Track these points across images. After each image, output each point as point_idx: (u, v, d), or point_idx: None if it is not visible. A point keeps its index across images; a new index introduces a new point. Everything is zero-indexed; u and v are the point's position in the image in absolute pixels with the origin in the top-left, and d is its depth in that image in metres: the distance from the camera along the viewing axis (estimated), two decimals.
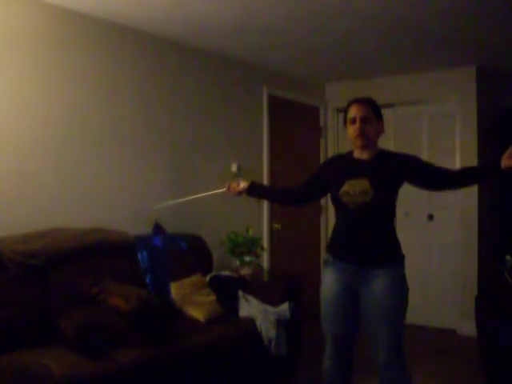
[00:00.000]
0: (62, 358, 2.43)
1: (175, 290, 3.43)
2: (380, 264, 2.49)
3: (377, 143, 2.62)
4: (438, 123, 5.26)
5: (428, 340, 4.79)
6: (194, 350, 2.90)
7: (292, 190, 2.90)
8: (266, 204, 5.00)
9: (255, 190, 2.85)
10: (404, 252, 2.61)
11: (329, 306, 2.62)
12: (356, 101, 2.60)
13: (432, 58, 4.73)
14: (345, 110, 2.66)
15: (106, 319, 2.72)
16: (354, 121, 2.55)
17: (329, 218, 5.78)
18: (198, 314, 3.29)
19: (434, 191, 2.90)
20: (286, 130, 5.31)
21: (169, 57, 4.18)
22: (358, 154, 2.61)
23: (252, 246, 4.21)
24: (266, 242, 4.94)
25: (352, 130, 2.57)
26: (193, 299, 3.40)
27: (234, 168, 4.68)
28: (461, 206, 5.02)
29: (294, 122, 5.40)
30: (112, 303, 2.83)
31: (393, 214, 2.60)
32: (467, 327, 4.64)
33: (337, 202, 2.59)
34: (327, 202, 5.79)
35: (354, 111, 2.56)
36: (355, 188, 2.50)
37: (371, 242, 2.51)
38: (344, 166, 2.64)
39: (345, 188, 2.52)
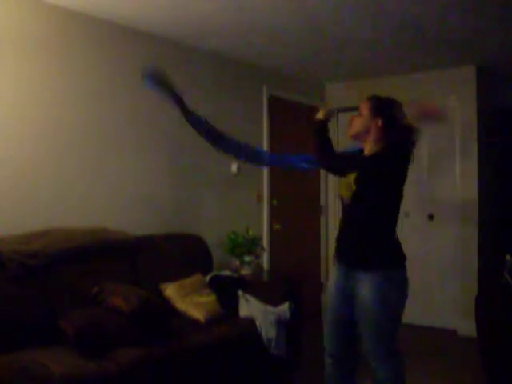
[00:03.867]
0: (62, 358, 2.43)
1: (175, 289, 3.43)
2: (363, 267, 2.46)
3: (381, 142, 2.55)
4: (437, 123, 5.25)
5: (428, 340, 4.79)
6: (194, 350, 2.90)
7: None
8: (265, 204, 5.00)
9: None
10: (404, 251, 2.58)
11: (329, 309, 2.65)
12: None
13: (432, 58, 4.73)
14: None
15: (106, 319, 2.72)
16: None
17: (329, 218, 5.78)
18: (198, 314, 3.29)
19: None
20: (286, 130, 5.31)
21: (169, 57, 4.18)
22: (365, 151, 2.64)
23: (252, 246, 4.21)
24: (265, 242, 4.94)
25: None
26: (193, 299, 3.40)
27: (234, 168, 4.68)
28: (461, 206, 5.02)
29: (293, 121, 5.40)
30: (112, 303, 2.83)
31: (380, 215, 2.49)
32: (467, 327, 4.64)
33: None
34: (327, 202, 5.81)
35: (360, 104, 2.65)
36: (347, 180, 2.54)
37: (353, 242, 2.53)
38: (351, 158, 2.71)
39: (343, 180, 2.59)
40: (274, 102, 5.16)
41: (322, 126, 2.79)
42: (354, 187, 2.48)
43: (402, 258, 2.54)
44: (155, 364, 2.66)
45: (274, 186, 5.13)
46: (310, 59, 4.84)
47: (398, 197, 2.54)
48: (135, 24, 3.80)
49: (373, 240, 2.48)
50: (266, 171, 5.07)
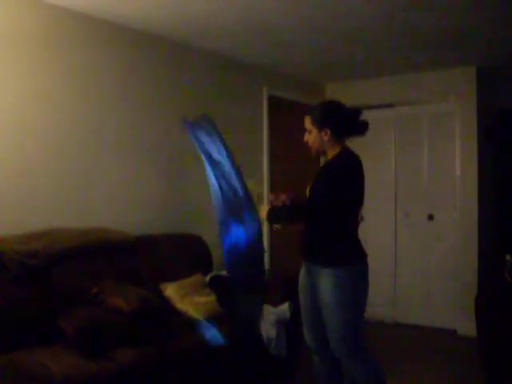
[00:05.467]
0: (62, 358, 2.43)
1: (175, 289, 3.43)
2: (318, 264, 2.60)
3: (339, 147, 2.64)
4: (437, 123, 5.26)
5: (428, 340, 4.79)
6: (193, 350, 2.90)
7: None
8: (265, 204, 4.99)
9: None
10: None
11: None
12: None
13: (432, 57, 4.73)
14: None
15: (106, 319, 2.72)
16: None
17: None
18: (198, 314, 3.29)
19: None
20: (286, 130, 5.31)
21: (168, 57, 4.18)
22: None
23: None
24: (265, 242, 4.94)
25: None
26: (193, 299, 3.40)
27: None
28: (461, 206, 5.02)
29: (293, 121, 5.39)
30: (112, 303, 2.83)
31: (331, 217, 2.55)
32: (467, 327, 4.64)
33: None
34: None
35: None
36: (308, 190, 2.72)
37: (309, 240, 2.67)
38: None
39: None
40: (273, 101, 5.16)
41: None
42: (307, 194, 2.68)
43: (355, 255, 2.60)
44: (155, 364, 2.66)
45: (274, 186, 5.13)
46: (309, 59, 4.84)
47: (350, 201, 2.58)
48: (135, 24, 3.80)
49: (326, 237, 2.59)
50: (266, 171, 5.07)
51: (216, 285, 3.64)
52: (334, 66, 5.11)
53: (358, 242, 2.65)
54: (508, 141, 5.26)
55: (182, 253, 3.78)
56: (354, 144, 2.74)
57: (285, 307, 3.51)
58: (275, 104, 5.18)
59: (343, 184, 2.51)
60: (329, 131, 2.63)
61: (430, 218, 5.22)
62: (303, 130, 2.74)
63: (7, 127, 3.14)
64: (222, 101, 4.64)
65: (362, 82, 5.57)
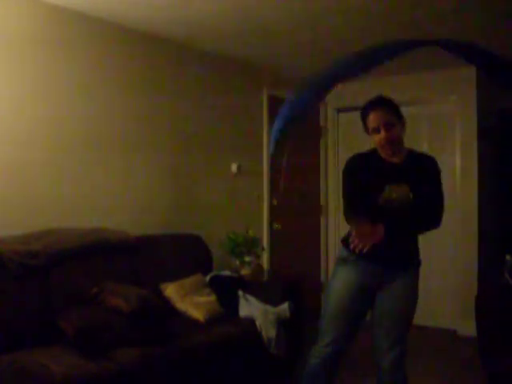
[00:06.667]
0: (62, 358, 2.43)
1: (175, 289, 3.43)
2: (407, 265, 2.55)
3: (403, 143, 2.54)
4: (438, 123, 5.26)
5: (428, 340, 4.78)
6: (193, 350, 2.90)
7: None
8: (265, 204, 5.00)
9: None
10: None
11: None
12: (374, 107, 2.45)
13: (432, 58, 4.72)
14: (362, 116, 2.50)
15: (106, 319, 2.72)
16: (377, 130, 2.43)
17: (329, 217, 5.77)
18: (197, 314, 3.29)
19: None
20: None
21: (168, 57, 4.18)
22: (386, 156, 2.49)
23: (252, 246, 4.21)
24: (265, 242, 4.94)
25: (377, 139, 2.44)
26: (193, 299, 3.40)
27: (234, 168, 4.68)
28: (461, 206, 5.02)
29: None
30: (112, 303, 2.83)
31: None
32: (467, 327, 4.64)
33: (372, 205, 2.45)
34: (327, 202, 5.80)
35: (375, 120, 2.43)
36: (397, 193, 2.41)
37: (404, 242, 2.55)
38: (378, 168, 2.50)
39: (386, 193, 2.41)
40: (273, 102, 5.16)
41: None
42: (410, 195, 2.42)
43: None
44: (155, 364, 2.66)
45: (274, 186, 5.13)
46: (309, 59, 4.83)
47: None
48: (135, 24, 3.80)
49: (416, 240, 2.62)
50: (266, 171, 5.07)
51: (216, 285, 3.64)
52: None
53: None
54: (508, 141, 5.26)
55: (181, 253, 3.78)
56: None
57: (285, 307, 3.51)
58: (275, 104, 5.17)
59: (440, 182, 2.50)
60: (404, 122, 2.49)
61: None
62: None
63: (6, 127, 3.14)
64: (222, 101, 4.63)
65: (362, 82, 5.56)
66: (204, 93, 4.46)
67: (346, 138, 5.58)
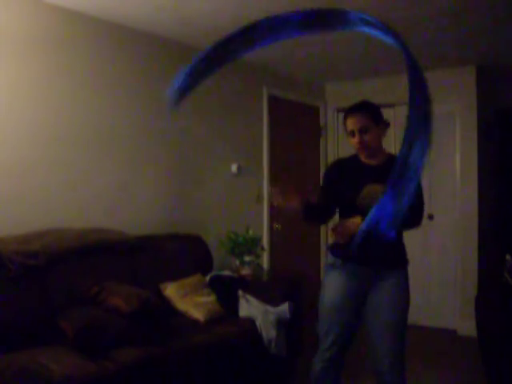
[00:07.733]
0: (62, 358, 2.43)
1: (175, 289, 3.43)
2: (393, 266, 2.56)
3: (382, 146, 2.57)
4: (438, 123, 5.24)
5: (428, 340, 4.78)
6: (193, 350, 2.90)
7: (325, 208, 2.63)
8: (265, 204, 5.00)
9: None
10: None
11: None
12: (350, 112, 2.52)
13: (432, 57, 4.73)
14: (343, 120, 2.60)
15: (106, 319, 2.72)
16: (352, 133, 2.52)
17: None
18: (198, 314, 3.29)
19: None
20: (286, 130, 5.31)
21: (168, 57, 4.18)
22: (365, 159, 2.56)
23: (252, 245, 4.21)
24: (265, 242, 4.94)
25: (353, 142, 2.53)
26: (193, 299, 3.40)
27: (234, 168, 4.68)
28: (461, 206, 5.02)
29: (293, 121, 5.40)
30: (112, 303, 2.83)
31: None
32: (467, 327, 4.64)
33: (351, 206, 2.49)
34: None
35: (350, 124, 2.51)
36: (374, 193, 2.42)
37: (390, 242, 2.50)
38: (356, 169, 2.57)
39: (363, 193, 2.46)
40: (273, 101, 5.16)
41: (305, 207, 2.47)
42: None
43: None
44: (155, 364, 2.66)
45: (273, 186, 5.13)
46: (309, 59, 4.84)
47: None
48: (135, 24, 3.80)
49: (401, 239, 2.65)
50: (266, 171, 5.07)
51: (216, 285, 3.64)
52: (334, 66, 5.11)
53: None
54: (508, 141, 5.26)
55: (181, 253, 3.78)
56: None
57: (285, 307, 3.51)
58: (275, 104, 5.18)
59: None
60: (384, 127, 2.53)
61: (430, 217, 5.22)
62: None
63: (6, 127, 3.14)
64: (222, 101, 4.64)
65: (362, 81, 5.57)
66: (204, 93, 4.46)
67: (345, 137, 5.58)
